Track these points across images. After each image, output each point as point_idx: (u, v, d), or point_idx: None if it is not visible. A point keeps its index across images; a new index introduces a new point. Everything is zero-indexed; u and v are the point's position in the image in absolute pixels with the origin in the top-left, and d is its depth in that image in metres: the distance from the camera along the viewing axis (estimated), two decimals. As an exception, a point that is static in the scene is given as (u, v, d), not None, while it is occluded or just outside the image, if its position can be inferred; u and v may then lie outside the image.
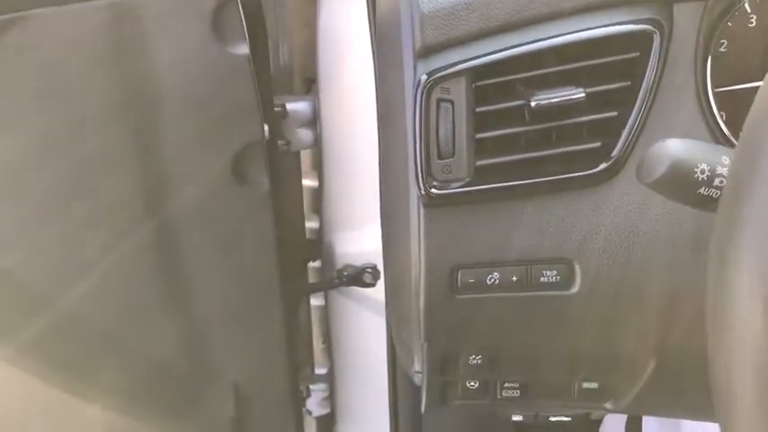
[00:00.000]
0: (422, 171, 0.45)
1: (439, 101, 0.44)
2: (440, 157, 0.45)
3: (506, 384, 0.57)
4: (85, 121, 0.61)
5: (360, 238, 0.82)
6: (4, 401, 0.71)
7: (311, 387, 0.96)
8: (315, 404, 0.97)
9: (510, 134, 0.45)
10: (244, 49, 0.62)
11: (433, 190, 0.45)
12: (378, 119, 0.66)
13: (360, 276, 0.83)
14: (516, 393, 0.58)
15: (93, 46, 0.60)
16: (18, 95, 0.59)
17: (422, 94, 0.44)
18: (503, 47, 0.44)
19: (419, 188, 0.45)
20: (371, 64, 0.68)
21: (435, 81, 0.44)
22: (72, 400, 0.70)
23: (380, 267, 0.83)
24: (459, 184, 0.45)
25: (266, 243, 0.70)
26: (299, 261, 0.88)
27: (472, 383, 0.57)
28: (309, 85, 0.82)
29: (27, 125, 0.60)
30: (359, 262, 0.84)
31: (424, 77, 0.44)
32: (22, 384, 0.69)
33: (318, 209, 0.90)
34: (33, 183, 0.62)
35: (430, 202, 0.46)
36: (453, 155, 0.45)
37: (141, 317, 0.69)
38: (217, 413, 0.73)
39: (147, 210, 0.65)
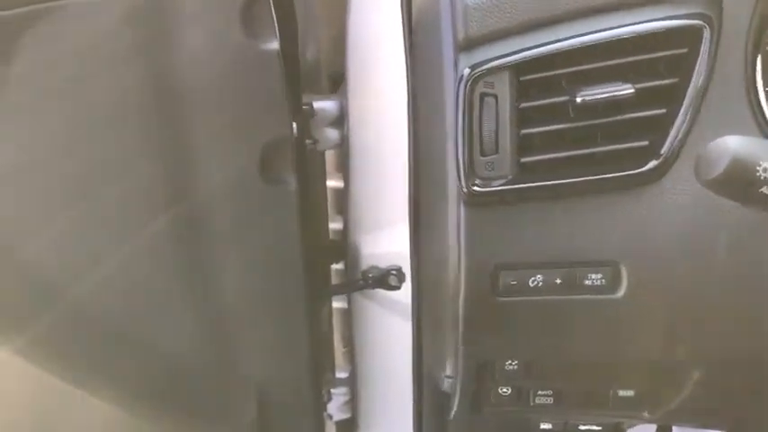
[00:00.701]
0: (464, 168, 0.43)
1: (482, 95, 0.43)
2: (482, 154, 0.43)
3: (540, 391, 0.55)
4: (111, 114, 0.60)
5: (385, 240, 0.81)
6: (21, 399, 0.71)
7: (332, 391, 0.94)
8: (335, 408, 0.95)
9: (555, 131, 0.44)
10: (274, 44, 0.61)
11: (476, 188, 0.43)
12: (408, 117, 0.65)
13: (385, 279, 0.81)
14: (550, 401, 0.56)
15: (120, 38, 0.59)
16: (44, 87, 0.58)
17: (465, 88, 0.43)
18: (548, 41, 0.43)
19: (461, 186, 0.44)
20: (403, 60, 0.67)
21: (479, 75, 0.43)
22: (90, 399, 0.69)
23: (405, 270, 0.81)
24: (502, 181, 0.44)
25: (292, 243, 0.69)
26: (322, 263, 0.87)
27: (505, 390, 0.56)
28: (336, 82, 0.81)
29: (53, 117, 0.59)
30: (384, 264, 0.82)
31: (466, 71, 0.43)
32: (38, 382, 0.68)
33: (342, 210, 0.89)
34: (53, 177, 0.61)
35: (472, 201, 0.44)
36: (497, 151, 0.43)
37: (163, 315, 0.68)
38: (239, 415, 0.72)
39: (172, 205, 0.64)
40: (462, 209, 0.45)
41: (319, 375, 0.83)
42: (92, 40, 0.59)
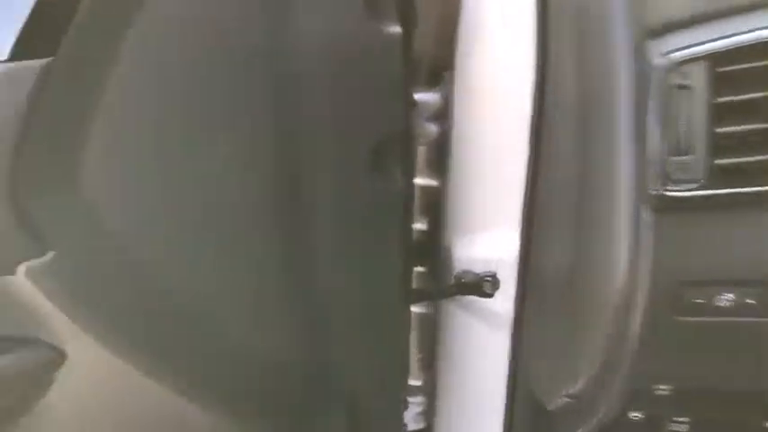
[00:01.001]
0: (658, 170, 0.38)
1: (677, 87, 0.38)
2: (674, 154, 0.38)
3: (676, 418, 0.50)
4: (224, 94, 0.56)
5: (482, 243, 0.76)
6: (104, 395, 0.67)
7: (409, 400, 0.90)
8: (409, 418, 0.91)
9: (756, 130, 0.39)
10: (396, 29, 0.57)
11: (671, 192, 0.38)
12: (534, 112, 0.60)
13: (478, 285, 0.76)
14: (685, 428, 0.51)
15: (234, 14, 0.55)
16: (154, 74, 0.55)
17: (658, 79, 0.38)
18: (755, 27, 0.38)
19: (651, 190, 0.39)
20: (525, 49, 0.62)
21: (674, 64, 0.38)
22: (174, 398, 0.65)
23: (499, 276, 0.76)
24: (694, 186, 0.38)
25: (394, 243, 0.65)
26: (407, 265, 0.82)
27: (636, 415, 0.51)
28: (437, 74, 0.76)
29: (163, 101, 0.55)
30: (477, 269, 0.77)
31: (660, 60, 0.38)
32: (123, 377, 0.65)
33: (427, 210, 0.84)
34: (157, 167, 0.58)
35: (662, 206, 0.39)
36: (690, 152, 0.38)
37: (258, 310, 0.64)
38: (329, 422, 0.68)
39: (276, 192, 0.60)
40: (648, 215, 0.40)
41: (406, 383, 0.78)
42: (200, 20, 0.55)
